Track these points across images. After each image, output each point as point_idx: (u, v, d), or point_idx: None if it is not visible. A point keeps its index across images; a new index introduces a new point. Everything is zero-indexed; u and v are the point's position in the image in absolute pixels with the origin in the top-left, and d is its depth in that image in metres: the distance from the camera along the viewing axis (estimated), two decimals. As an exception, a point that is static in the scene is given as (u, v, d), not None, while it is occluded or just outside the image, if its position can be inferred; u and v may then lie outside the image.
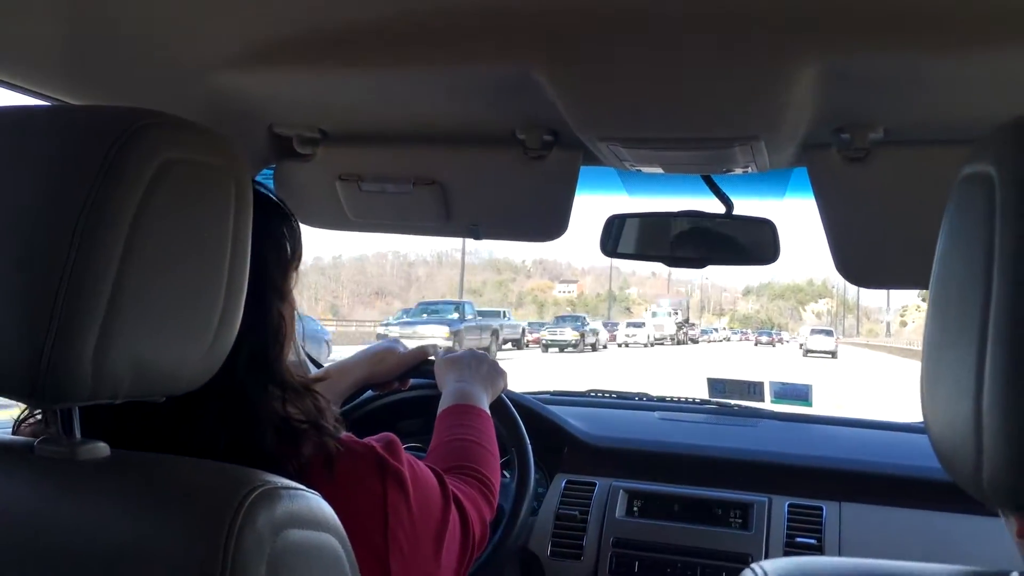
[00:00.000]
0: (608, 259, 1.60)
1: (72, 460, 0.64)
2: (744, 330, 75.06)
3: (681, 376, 15.59)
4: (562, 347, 27.41)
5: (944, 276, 0.50)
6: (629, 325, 41.84)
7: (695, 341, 49.68)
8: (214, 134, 0.67)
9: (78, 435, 0.65)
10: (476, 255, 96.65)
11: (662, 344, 41.10)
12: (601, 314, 70.92)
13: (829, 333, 38.55)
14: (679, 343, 44.12)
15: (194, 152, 0.65)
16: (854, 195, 1.27)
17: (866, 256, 1.32)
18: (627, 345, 36.81)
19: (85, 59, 1.14)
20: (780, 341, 52.23)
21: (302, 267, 0.99)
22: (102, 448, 0.65)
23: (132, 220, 0.59)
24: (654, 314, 47.33)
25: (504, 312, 30.61)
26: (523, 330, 29.12)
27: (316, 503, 0.65)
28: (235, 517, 0.57)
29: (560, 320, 32.97)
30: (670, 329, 43.83)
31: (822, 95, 1.07)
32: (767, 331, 63.68)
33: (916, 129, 1.19)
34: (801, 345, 37.83)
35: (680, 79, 1.07)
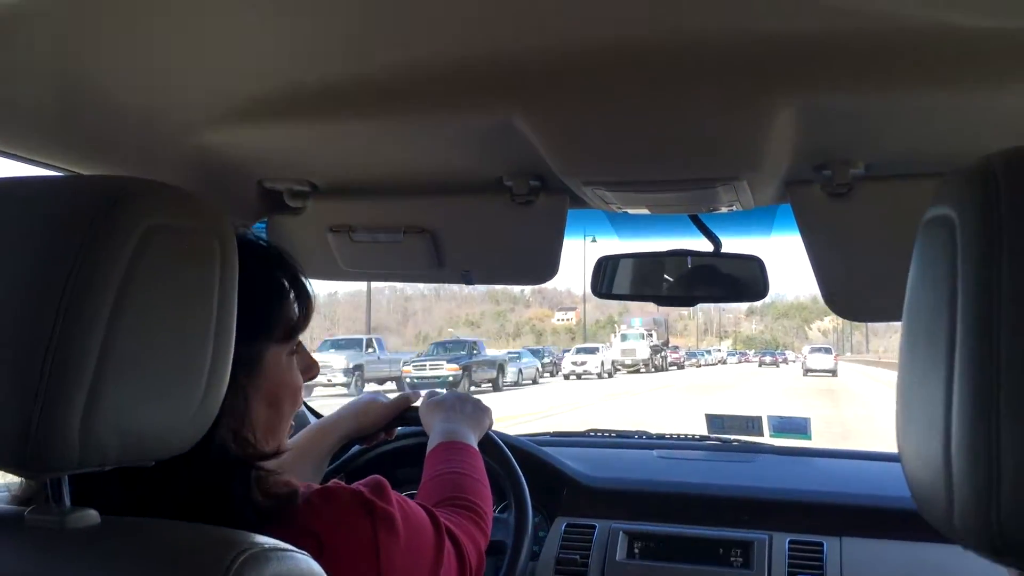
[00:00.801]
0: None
1: (62, 529, 0.64)
2: (744, 351, 71.67)
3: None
4: (446, 386, 18.54)
5: (913, 314, 0.52)
6: (579, 351, 33.11)
7: (679, 366, 43.91)
8: (195, 197, 0.70)
9: (68, 503, 0.66)
10: (474, 287, 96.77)
11: (637, 372, 35.10)
12: (601, 341, 70.42)
13: (828, 351, 38.27)
14: (658, 369, 37.98)
15: (177, 217, 0.66)
16: (838, 230, 1.30)
17: (853, 289, 1.35)
18: (578, 376, 29.33)
19: (74, 125, 1.17)
20: (784, 361, 51.99)
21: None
22: (92, 516, 0.66)
23: (117, 289, 0.61)
24: (624, 336, 38.85)
25: (371, 340, 22.87)
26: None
27: (306, 564, 0.66)
28: None
29: (437, 348, 23.95)
30: (643, 353, 36.66)
31: (801, 134, 1.10)
32: (771, 351, 62.95)
33: (896, 164, 1.22)
34: (803, 364, 37.70)
35: (657, 124, 1.10)
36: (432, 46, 0.98)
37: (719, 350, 66.79)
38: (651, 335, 39.79)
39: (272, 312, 0.94)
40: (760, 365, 49.84)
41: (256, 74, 1.08)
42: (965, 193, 0.48)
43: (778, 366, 47.79)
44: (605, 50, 0.98)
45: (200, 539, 0.64)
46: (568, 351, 35.39)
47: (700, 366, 48.73)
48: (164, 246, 0.65)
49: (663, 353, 41.22)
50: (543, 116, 1.11)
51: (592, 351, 32.88)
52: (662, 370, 38.67)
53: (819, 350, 38.32)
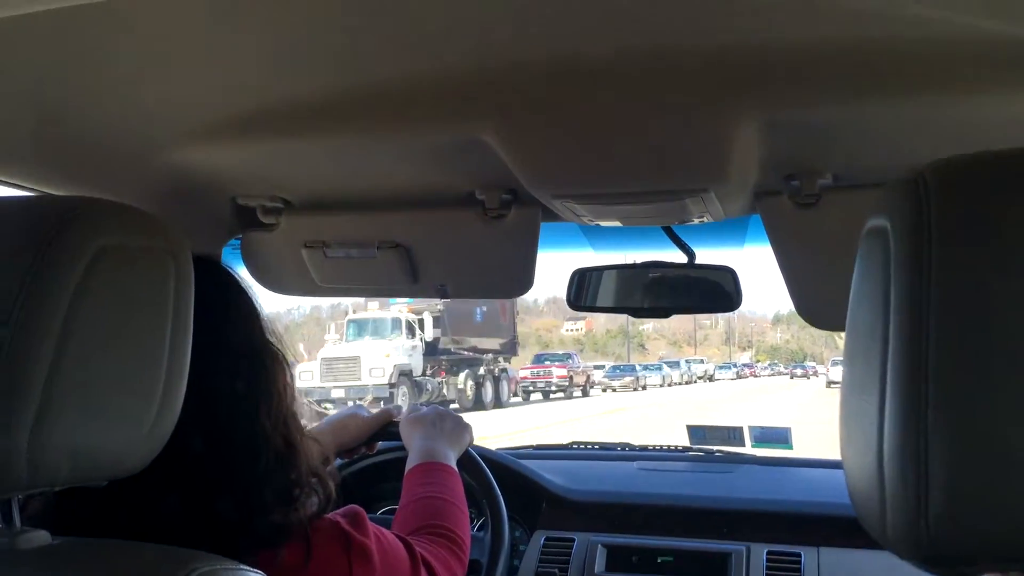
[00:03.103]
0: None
1: (12, 550, 0.67)
2: (749, 363, 61.96)
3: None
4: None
5: (853, 325, 0.58)
6: None
7: (573, 393, 27.15)
8: (152, 217, 0.75)
9: (18, 524, 0.69)
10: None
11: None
12: (612, 352, 69.29)
13: None
14: (469, 408, 20.36)
15: (130, 236, 0.70)
16: (808, 240, 1.38)
17: (823, 299, 1.43)
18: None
19: (41, 145, 1.24)
20: (815, 373, 51.71)
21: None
22: (42, 536, 0.69)
23: (68, 308, 0.65)
24: (349, 331, 22.04)
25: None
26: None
27: None
28: None
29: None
30: (375, 371, 19.57)
31: (766, 146, 1.18)
32: (800, 364, 61.75)
33: (864, 173, 1.29)
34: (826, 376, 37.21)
35: (623, 138, 1.18)
36: (401, 64, 1.06)
37: (701, 361, 51.31)
38: (413, 330, 21.20)
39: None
40: (792, 378, 49.69)
41: (225, 92, 1.15)
42: (897, 203, 0.53)
43: (808, 378, 47.78)
44: (571, 66, 1.05)
45: (150, 558, 0.67)
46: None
47: (643, 388, 33.01)
48: (117, 265, 0.68)
49: (485, 370, 22.94)
50: (511, 131, 1.18)
51: None
52: (483, 406, 21.67)
53: (840, 362, 37.81)
